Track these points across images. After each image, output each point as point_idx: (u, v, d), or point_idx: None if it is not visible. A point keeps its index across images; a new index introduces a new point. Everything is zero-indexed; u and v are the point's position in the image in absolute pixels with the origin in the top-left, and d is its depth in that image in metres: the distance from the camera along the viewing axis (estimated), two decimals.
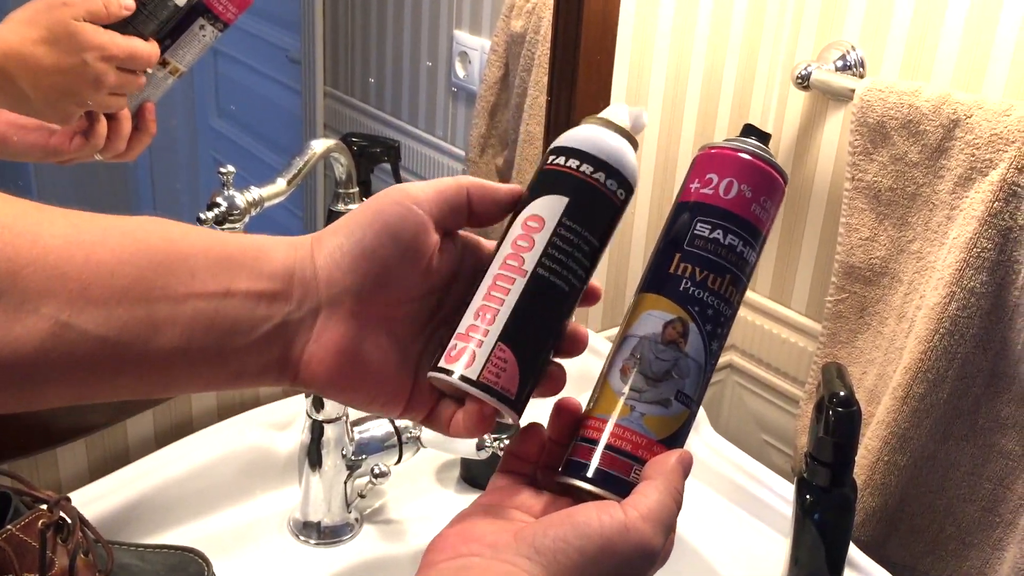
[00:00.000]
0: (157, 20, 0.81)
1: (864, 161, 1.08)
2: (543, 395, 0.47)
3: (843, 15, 1.15)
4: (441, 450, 0.95)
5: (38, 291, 0.39)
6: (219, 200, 0.94)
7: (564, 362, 0.49)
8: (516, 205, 0.48)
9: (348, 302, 0.45)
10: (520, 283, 0.45)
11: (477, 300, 0.46)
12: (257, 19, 1.39)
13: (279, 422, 0.95)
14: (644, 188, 1.20)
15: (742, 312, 1.31)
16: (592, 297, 0.49)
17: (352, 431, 0.89)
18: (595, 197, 0.47)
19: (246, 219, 0.96)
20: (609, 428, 0.46)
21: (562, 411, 0.48)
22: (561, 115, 1.07)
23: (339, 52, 1.32)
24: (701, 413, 1.07)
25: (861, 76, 1.13)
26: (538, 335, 0.46)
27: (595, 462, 0.46)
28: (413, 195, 0.46)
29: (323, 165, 1.06)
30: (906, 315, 1.06)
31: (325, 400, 0.86)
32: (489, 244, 0.49)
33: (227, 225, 0.94)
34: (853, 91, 1.08)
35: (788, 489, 0.95)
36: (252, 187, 0.96)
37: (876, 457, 1.05)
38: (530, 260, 0.45)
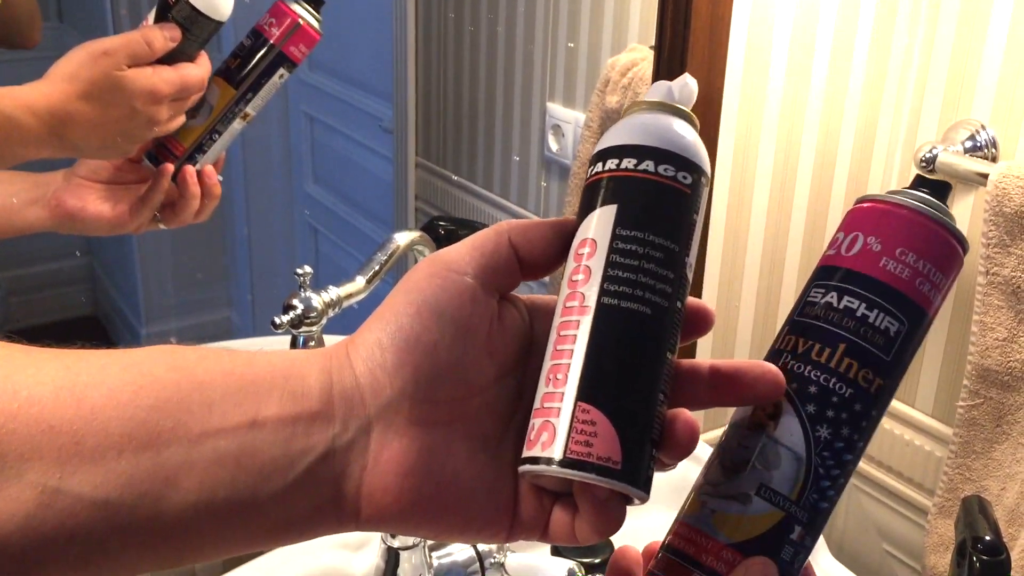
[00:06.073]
0: (200, 40, 0.78)
1: (1000, 254, 0.97)
2: (675, 455, 0.37)
3: (971, 91, 1.04)
4: None
5: (20, 453, 0.32)
6: (295, 302, 0.88)
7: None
8: (569, 237, 0.38)
9: (405, 408, 0.36)
10: (586, 323, 0.36)
11: (546, 364, 0.37)
12: (352, 88, 1.40)
13: (354, 542, 0.88)
14: (750, 284, 1.11)
15: None
16: (702, 319, 0.39)
17: (431, 556, 0.82)
18: (651, 192, 0.37)
19: (323, 321, 0.90)
20: (672, 527, 0.39)
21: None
22: None
23: (431, 123, 1.35)
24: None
25: (994, 159, 1.03)
26: (629, 379, 0.35)
27: (653, 565, 0.38)
28: (447, 259, 0.38)
29: (411, 257, 1.00)
30: None
31: None
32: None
33: (303, 329, 0.89)
34: (986, 176, 0.97)
35: None
36: (330, 287, 0.91)
37: None
38: (591, 293, 0.36)
